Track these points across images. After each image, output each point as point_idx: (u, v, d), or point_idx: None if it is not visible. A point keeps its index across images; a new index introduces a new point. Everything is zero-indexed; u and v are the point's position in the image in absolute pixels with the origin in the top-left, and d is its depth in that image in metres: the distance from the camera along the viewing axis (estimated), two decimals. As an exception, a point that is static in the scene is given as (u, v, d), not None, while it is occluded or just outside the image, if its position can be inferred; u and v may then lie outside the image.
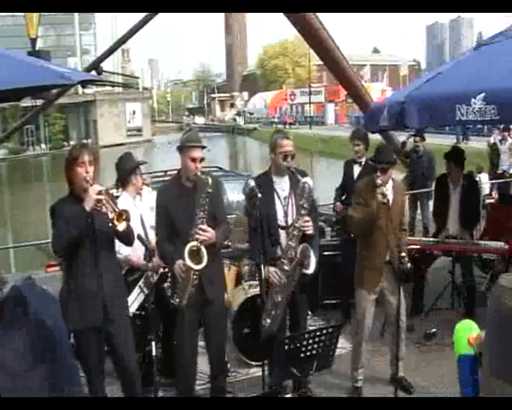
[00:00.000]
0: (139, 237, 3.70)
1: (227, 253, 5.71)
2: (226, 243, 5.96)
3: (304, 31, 8.60)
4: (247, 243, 5.66)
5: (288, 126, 53.49)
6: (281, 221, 4.03)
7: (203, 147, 3.79)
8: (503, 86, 3.98)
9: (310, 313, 5.18)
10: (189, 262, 3.52)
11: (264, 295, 3.77)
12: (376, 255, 4.22)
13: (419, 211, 9.57)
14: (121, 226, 3.33)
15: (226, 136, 68.75)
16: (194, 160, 3.70)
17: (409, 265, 4.36)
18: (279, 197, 4.04)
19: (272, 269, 3.89)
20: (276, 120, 61.03)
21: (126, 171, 4.56)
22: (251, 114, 77.73)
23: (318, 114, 61.11)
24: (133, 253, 4.22)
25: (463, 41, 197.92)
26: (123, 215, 3.34)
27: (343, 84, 9.62)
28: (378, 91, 51.15)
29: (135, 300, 4.20)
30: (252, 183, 3.85)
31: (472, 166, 11.51)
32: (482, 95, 3.96)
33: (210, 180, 3.66)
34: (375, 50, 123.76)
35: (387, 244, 4.13)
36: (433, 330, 5.22)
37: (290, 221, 3.95)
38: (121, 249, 3.97)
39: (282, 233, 4.01)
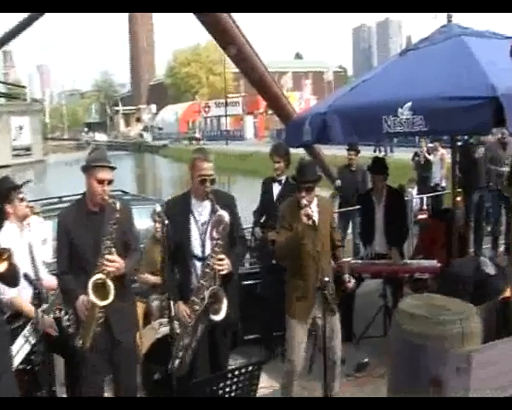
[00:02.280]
0: (26, 277, 3.58)
1: (134, 288, 5.64)
2: (133, 277, 5.92)
3: (217, 35, 8.73)
4: (156, 277, 5.64)
5: (194, 142, 53.55)
6: (197, 250, 4.05)
7: (112, 168, 3.78)
8: (430, 94, 4.20)
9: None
10: (93, 298, 3.47)
11: (174, 334, 3.79)
12: (306, 282, 4.31)
13: (350, 230, 9.85)
14: (1, 267, 3.23)
15: (132, 154, 67.77)
16: (101, 182, 3.68)
17: (352, 282, 4.58)
18: (196, 223, 4.06)
19: (182, 307, 3.94)
20: (196, 135, 60.46)
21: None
22: (160, 129, 77.39)
23: (236, 128, 61.74)
24: (17, 295, 4.05)
25: (392, 44, 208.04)
26: (3, 255, 3.24)
27: (262, 93, 9.82)
28: (301, 101, 52.63)
29: (18, 351, 4.00)
30: (158, 208, 3.87)
31: (401, 180, 12.03)
32: (409, 104, 4.16)
33: (118, 205, 3.65)
34: (298, 56, 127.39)
35: (317, 269, 4.19)
36: (365, 360, 5.41)
37: (208, 252, 3.97)
38: (5, 291, 3.82)
39: (199, 264, 4.02)
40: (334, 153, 12.65)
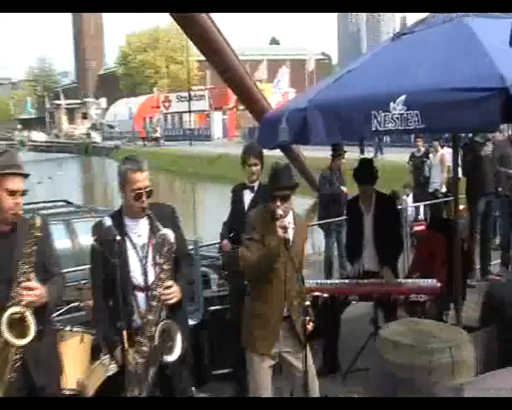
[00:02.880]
0: None
1: (78, 317, 5.59)
2: (78, 303, 5.88)
3: (180, 18, 8.73)
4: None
5: (150, 143, 53.42)
6: (138, 280, 3.96)
7: (25, 175, 3.70)
8: (426, 86, 4.21)
9: (194, 388, 5.18)
10: (8, 336, 3.39)
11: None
12: (272, 308, 4.28)
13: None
14: None
15: (77, 157, 67.28)
16: (12, 193, 3.58)
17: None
18: (135, 247, 3.97)
19: (118, 352, 3.82)
20: (157, 134, 59.75)
21: None
22: (111, 127, 77.00)
23: (202, 126, 61.66)
24: None
25: (383, 28, 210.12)
26: None
27: (232, 86, 9.84)
28: (276, 90, 52.83)
29: None
30: (108, 222, 3.83)
31: (393, 185, 12.14)
32: (403, 98, 4.15)
33: (38, 220, 3.59)
34: (274, 41, 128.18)
35: (286, 294, 4.21)
36: (355, 395, 5.44)
37: (151, 280, 3.90)
38: None
39: (141, 296, 3.94)
40: (315, 155, 12.72)
